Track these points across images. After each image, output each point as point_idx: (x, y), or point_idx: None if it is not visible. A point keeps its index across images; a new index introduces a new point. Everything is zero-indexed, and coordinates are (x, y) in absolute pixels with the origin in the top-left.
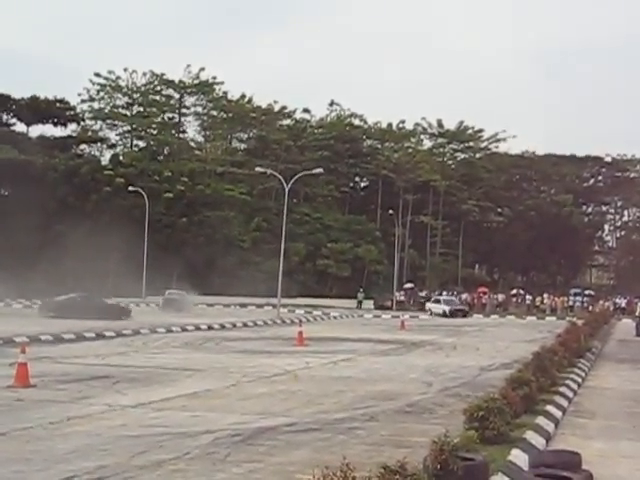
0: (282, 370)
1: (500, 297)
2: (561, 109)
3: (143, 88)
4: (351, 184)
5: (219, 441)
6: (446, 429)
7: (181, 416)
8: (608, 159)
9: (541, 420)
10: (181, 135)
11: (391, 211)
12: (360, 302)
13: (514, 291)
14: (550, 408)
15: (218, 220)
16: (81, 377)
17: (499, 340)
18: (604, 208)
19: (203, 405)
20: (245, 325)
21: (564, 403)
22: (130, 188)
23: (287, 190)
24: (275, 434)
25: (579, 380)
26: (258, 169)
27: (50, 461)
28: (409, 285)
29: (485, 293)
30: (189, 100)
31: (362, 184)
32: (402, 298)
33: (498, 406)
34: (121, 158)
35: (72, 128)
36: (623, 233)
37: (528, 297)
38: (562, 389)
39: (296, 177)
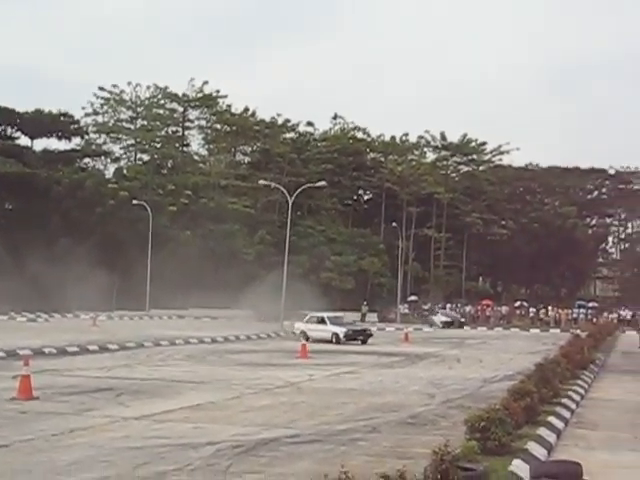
0: (285, 382)
1: (504, 309)
2: (564, 122)
3: (147, 102)
4: (355, 197)
5: (221, 452)
6: (447, 440)
7: (184, 428)
8: (612, 171)
9: (543, 431)
10: (185, 148)
11: (394, 224)
12: (364, 315)
13: (518, 303)
14: (552, 419)
15: (222, 233)
16: (84, 389)
17: (503, 352)
18: (608, 220)
19: (206, 417)
20: (249, 338)
21: (566, 414)
22: (134, 201)
23: (291, 203)
24: (277, 445)
25: (582, 392)
26: (262, 182)
27: (52, 473)
28: (413, 298)
29: (489, 305)
30: (193, 113)
31: (366, 197)
32: (406, 311)
33: (500, 417)
34: (125, 171)
35: (76, 142)
36: (627, 245)
37: (532, 309)
38: (564, 400)
39: (300, 190)
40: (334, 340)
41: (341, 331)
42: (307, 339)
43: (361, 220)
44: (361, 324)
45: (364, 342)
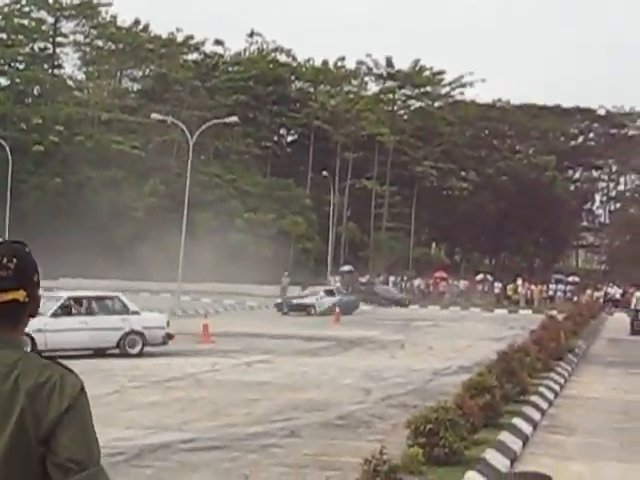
0: (181, 373)
1: (462, 284)
2: (542, 47)
3: (6, 9)
4: (275, 138)
5: None
6: (383, 446)
7: None
8: (601, 112)
9: (505, 436)
10: (56, 71)
11: (325, 173)
12: (284, 288)
13: (480, 277)
14: (517, 421)
15: (102, 181)
16: None
17: (459, 337)
18: (595, 173)
19: None
20: None
21: (536, 416)
22: None
23: (192, 144)
24: (168, 453)
25: (556, 387)
26: (155, 116)
27: None
28: (347, 268)
29: (443, 279)
30: (67, 26)
31: (289, 138)
32: (338, 284)
33: (451, 417)
34: None
35: None
36: (618, 205)
37: (497, 284)
38: (534, 398)
39: (204, 127)
40: None
41: None
42: None
43: (282, 168)
44: None
45: None
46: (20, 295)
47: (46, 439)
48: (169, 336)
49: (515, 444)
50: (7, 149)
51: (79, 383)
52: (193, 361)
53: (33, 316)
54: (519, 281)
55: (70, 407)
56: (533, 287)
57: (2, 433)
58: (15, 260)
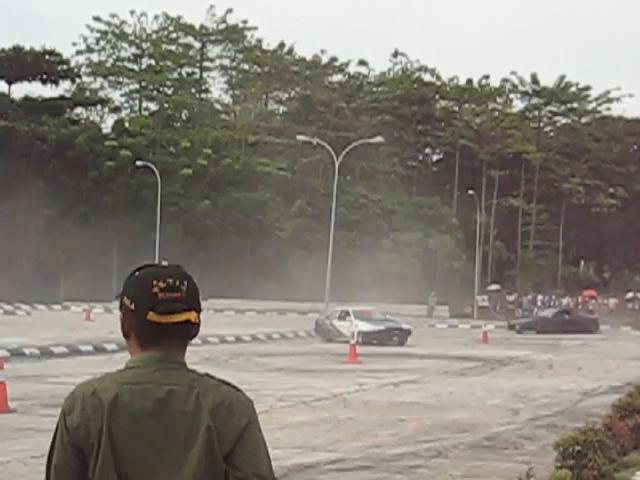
0: (328, 393)
1: (612, 302)
2: None
3: (155, 35)
4: (420, 157)
5: None
6: (530, 467)
7: None
8: None
9: None
10: (203, 95)
11: (471, 192)
12: (432, 308)
13: (630, 295)
14: None
15: (250, 203)
16: None
17: (609, 357)
18: None
19: None
20: (283, 336)
21: None
22: (138, 163)
23: (337, 165)
24: (315, 473)
25: None
26: (301, 138)
27: None
28: (494, 287)
29: (593, 297)
30: (213, 50)
31: (434, 157)
32: (485, 303)
33: (600, 439)
34: (127, 125)
35: (65, 87)
36: None
37: None
38: None
39: (349, 148)
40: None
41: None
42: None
43: (428, 187)
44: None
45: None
46: (192, 316)
47: (227, 455)
48: None
49: None
50: (157, 173)
51: (251, 402)
52: (340, 381)
53: (192, 338)
54: None
55: (248, 424)
56: None
57: (192, 450)
58: (186, 282)
